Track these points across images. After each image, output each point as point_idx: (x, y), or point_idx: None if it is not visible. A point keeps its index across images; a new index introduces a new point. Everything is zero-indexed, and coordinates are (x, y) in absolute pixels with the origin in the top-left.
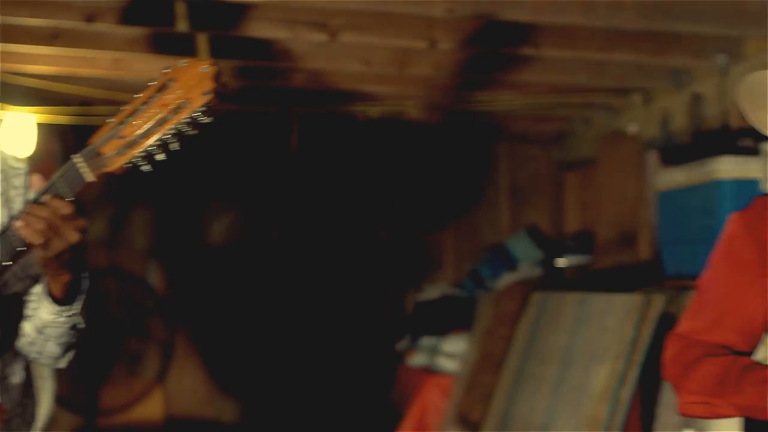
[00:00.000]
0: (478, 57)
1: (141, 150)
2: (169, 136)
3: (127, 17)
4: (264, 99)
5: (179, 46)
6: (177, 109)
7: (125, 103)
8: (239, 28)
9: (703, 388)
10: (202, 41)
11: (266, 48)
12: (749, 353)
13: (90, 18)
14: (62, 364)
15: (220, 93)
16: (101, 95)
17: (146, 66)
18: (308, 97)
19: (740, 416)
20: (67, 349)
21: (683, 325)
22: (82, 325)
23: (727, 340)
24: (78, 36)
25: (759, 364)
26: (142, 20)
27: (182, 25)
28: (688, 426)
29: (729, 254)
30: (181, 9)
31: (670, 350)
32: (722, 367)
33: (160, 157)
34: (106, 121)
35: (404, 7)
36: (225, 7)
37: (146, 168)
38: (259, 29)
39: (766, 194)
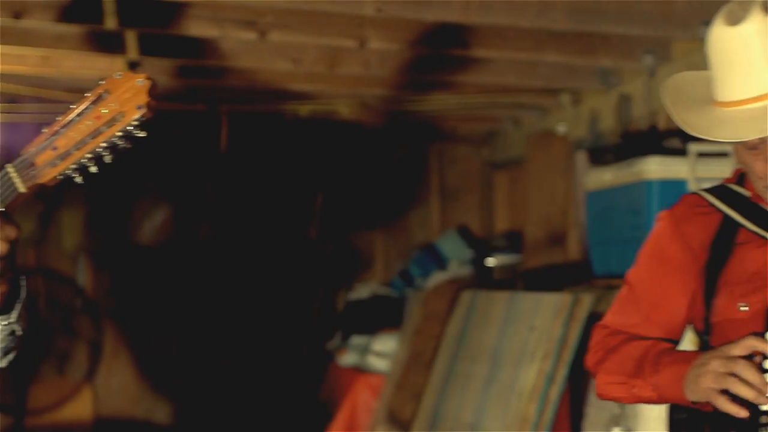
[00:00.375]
0: (408, 57)
1: (74, 162)
2: (102, 148)
3: (55, 14)
4: (195, 97)
5: (109, 44)
6: (111, 122)
7: (53, 101)
8: (169, 26)
9: (622, 368)
10: (130, 39)
11: (196, 46)
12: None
13: (18, 14)
14: (2, 364)
15: (154, 107)
16: (29, 92)
17: (76, 63)
18: (238, 96)
19: (658, 397)
20: (6, 352)
21: (609, 318)
22: (20, 332)
23: (651, 334)
24: (5, 32)
25: (676, 348)
26: (72, 17)
27: (111, 23)
28: (616, 424)
29: (656, 251)
30: (109, 6)
31: (594, 339)
32: (642, 350)
33: (93, 169)
34: (42, 130)
35: (333, 6)
36: (155, 5)
37: (79, 180)
38: (188, 27)
39: (695, 192)
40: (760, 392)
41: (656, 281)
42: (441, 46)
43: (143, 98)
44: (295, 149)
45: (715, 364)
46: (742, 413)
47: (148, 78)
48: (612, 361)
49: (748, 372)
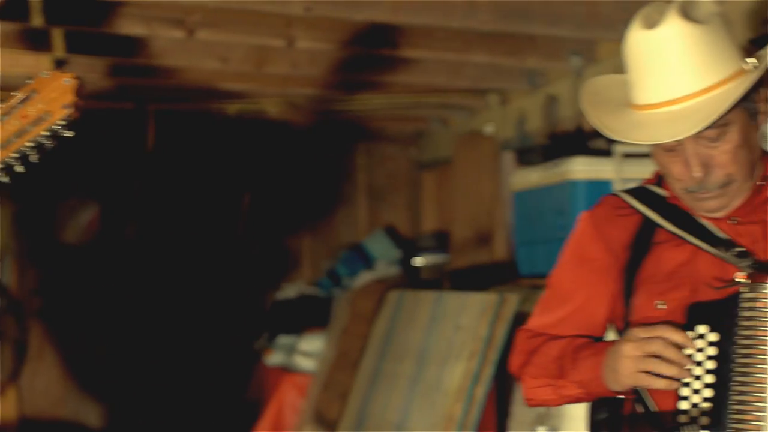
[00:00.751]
0: (337, 57)
1: None
2: (29, 148)
3: None
4: (123, 96)
5: (36, 42)
6: (37, 121)
7: None
8: (97, 24)
9: (545, 371)
10: (57, 37)
11: (125, 45)
12: None
13: None
14: None
15: (81, 107)
16: None
17: (2, 61)
18: (167, 95)
19: (586, 394)
20: None
21: (532, 321)
22: None
23: (572, 335)
24: None
25: (592, 341)
26: (2, 15)
27: (37, 20)
28: (541, 423)
29: (577, 252)
30: (36, 4)
31: (517, 342)
32: (560, 349)
33: (19, 168)
34: None
35: (261, 5)
36: (82, 3)
37: (5, 179)
38: (117, 25)
39: (614, 194)
40: (682, 368)
41: (577, 283)
42: (370, 46)
43: (70, 98)
44: (222, 149)
45: (628, 349)
46: (673, 386)
47: (75, 77)
48: (535, 365)
49: (665, 350)
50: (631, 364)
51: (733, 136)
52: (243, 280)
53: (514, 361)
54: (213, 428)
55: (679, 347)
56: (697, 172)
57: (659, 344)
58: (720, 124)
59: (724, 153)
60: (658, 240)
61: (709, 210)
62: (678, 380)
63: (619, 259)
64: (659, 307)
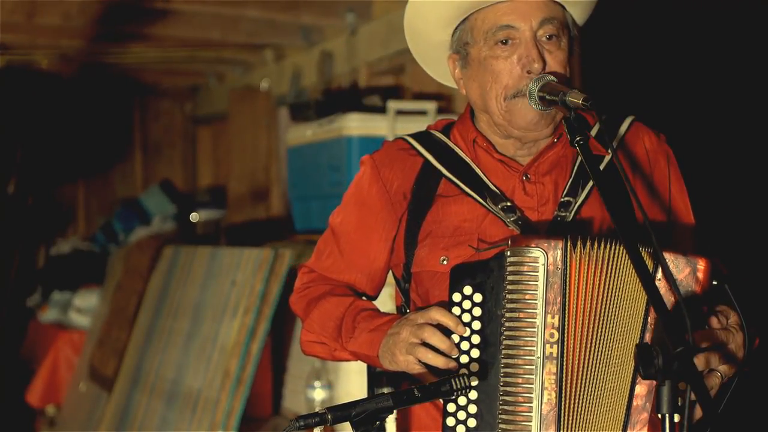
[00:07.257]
0: (111, 8)
1: None
2: None
3: None
4: None
5: None
6: None
7: None
8: None
9: (322, 328)
10: None
11: None
12: (372, 296)
13: None
14: None
15: None
16: None
17: None
18: None
19: (358, 360)
20: None
21: (312, 260)
22: None
23: (352, 279)
24: None
25: (374, 311)
26: None
27: None
28: (317, 378)
29: (357, 194)
30: None
31: (299, 281)
32: (341, 309)
33: None
34: None
35: None
36: None
37: None
38: None
39: (400, 137)
40: (449, 358)
41: (357, 225)
42: None
43: None
44: None
45: (405, 334)
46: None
47: None
48: (313, 319)
49: (434, 338)
50: (404, 350)
51: (564, 45)
52: (15, 234)
53: (296, 303)
54: None
55: (448, 330)
56: (537, 61)
57: (430, 333)
58: (557, 25)
59: (560, 50)
60: (443, 192)
61: (527, 123)
62: (446, 371)
63: (399, 204)
64: (443, 262)
